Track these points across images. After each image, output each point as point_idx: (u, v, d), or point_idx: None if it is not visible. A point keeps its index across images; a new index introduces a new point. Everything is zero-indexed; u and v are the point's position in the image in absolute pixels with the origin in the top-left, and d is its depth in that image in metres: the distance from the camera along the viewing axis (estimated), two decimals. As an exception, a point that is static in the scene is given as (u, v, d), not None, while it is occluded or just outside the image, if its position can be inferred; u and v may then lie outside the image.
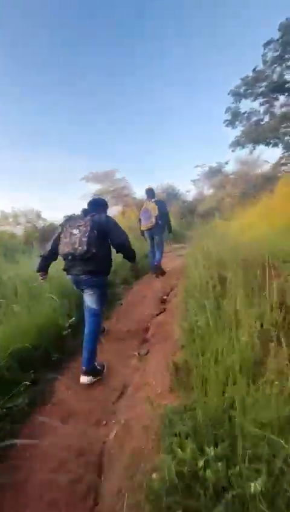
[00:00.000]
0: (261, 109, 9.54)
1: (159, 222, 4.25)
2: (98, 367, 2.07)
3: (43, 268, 2.19)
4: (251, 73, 8.99)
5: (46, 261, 2.17)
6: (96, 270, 1.97)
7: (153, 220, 4.19)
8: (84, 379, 1.95)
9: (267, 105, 9.33)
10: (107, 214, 2.26)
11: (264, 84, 8.98)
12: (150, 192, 4.45)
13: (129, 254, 2.15)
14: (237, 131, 10.34)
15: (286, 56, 8.25)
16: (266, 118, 9.46)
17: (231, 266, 3.07)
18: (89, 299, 2.04)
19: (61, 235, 1.99)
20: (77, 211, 2.18)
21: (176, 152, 41.46)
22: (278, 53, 8.31)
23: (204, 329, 2.01)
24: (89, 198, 2.36)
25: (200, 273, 3.05)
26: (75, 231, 1.90)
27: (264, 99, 9.33)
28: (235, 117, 10.12)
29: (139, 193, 14.32)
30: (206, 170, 18.28)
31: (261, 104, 9.48)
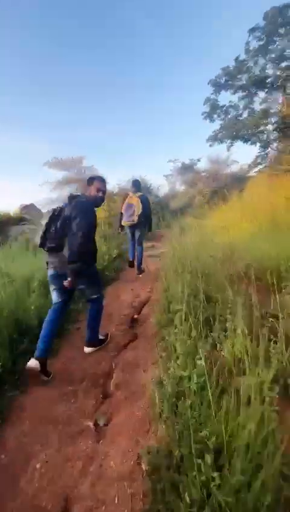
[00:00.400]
0: (241, 104, 9.11)
1: (142, 220, 4.07)
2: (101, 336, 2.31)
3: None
4: (233, 64, 8.45)
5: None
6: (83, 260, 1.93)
7: (136, 218, 3.98)
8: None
9: (246, 99, 8.89)
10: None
11: (245, 76, 8.50)
12: (137, 185, 4.23)
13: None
14: (215, 125, 9.86)
15: (270, 47, 7.84)
16: (245, 114, 9.04)
17: (218, 280, 2.36)
18: (87, 287, 2.15)
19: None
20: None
21: (150, 143, 40.48)
22: (262, 42, 7.86)
23: (195, 396, 1.25)
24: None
25: (181, 293, 2.26)
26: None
27: (244, 93, 8.87)
28: (213, 110, 9.51)
29: (110, 183, 13.24)
30: (179, 166, 17.64)
31: (241, 99, 9.03)
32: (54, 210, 1.99)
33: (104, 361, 2.15)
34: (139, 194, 4.10)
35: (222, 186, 13.49)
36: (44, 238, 1.97)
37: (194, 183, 16.12)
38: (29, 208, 10.49)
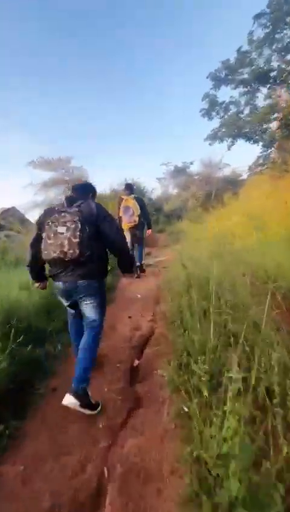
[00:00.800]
0: (242, 100, 8.48)
1: (142, 220, 4.16)
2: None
3: (37, 277, 1.82)
4: (234, 56, 7.79)
5: (33, 269, 1.77)
6: (94, 273, 1.63)
7: (136, 218, 4.05)
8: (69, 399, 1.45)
9: (248, 95, 8.27)
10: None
11: (247, 70, 7.89)
12: (130, 187, 4.28)
13: (126, 259, 1.79)
14: (213, 124, 9.23)
15: (276, 36, 7.24)
16: (247, 111, 8.42)
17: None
18: (90, 310, 1.67)
19: (43, 235, 1.52)
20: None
21: (143, 144, 39.83)
22: (268, 30, 7.25)
23: None
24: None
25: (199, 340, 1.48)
26: (62, 229, 1.47)
27: (245, 88, 8.25)
28: (212, 106, 8.86)
29: (100, 187, 12.47)
30: (172, 169, 17.83)
31: (242, 94, 8.39)
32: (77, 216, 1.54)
33: (90, 464, 1.30)
34: (134, 196, 4.14)
35: (215, 189, 13.95)
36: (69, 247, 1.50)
37: (187, 186, 16.18)
38: (9, 212, 9.52)
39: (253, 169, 8.96)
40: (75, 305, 1.71)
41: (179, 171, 18.06)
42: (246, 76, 8.08)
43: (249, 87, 8.12)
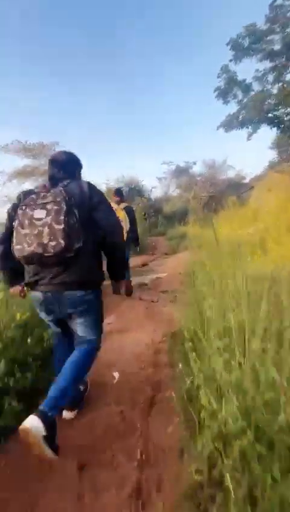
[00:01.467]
0: (270, 77, 6.69)
1: (130, 235, 3.52)
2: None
3: (13, 280, 1.33)
4: (265, 15, 6.08)
5: (6, 270, 1.33)
6: (87, 279, 1.21)
7: (125, 235, 3.30)
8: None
9: (278, 71, 6.48)
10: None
11: (278, 37, 6.24)
12: (120, 194, 3.72)
13: (120, 260, 1.37)
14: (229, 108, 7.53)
15: None
16: (275, 90, 6.63)
17: None
18: (82, 328, 1.26)
19: (16, 224, 1.13)
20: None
21: (144, 142, 38.10)
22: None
23: None
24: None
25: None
26: (40, 214, 1.08)
27: (273, 62, 6.55)
28: (230, 85, 7.15)
29: (97, 182, 10.82)
30: (173, 169, 17.26)
31: (270, 71, 6.62)
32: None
33: None
34: (124, 205, 3.60)
35: (221, 191, 13.65)
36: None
37: (189, 187, 15.84)
38: None
39: (274, 166, 7.21)
40: (62, 322, 1.28)
41: (181, 171, 17.46)
42: (275, 46, 6.39)
43: (282, 59, 6.37)
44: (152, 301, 3.16)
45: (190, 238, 8.40)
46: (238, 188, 14.27)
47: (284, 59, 6.28)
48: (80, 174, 1.41)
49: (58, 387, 1.08)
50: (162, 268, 4.85)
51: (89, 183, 1.24)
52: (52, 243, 1.05)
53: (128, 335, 2.27)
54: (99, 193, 1.25)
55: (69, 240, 1.06)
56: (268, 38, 6.44)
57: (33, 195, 1.14)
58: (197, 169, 19.88)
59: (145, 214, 13.05)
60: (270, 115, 6.52)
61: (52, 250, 1.05)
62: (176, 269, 4.76)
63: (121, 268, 1.41)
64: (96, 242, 1.23)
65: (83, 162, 1.42)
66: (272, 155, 14.23)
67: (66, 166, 1.30)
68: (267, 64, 6.73)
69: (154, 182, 19.27)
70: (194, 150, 38.61)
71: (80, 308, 1.21)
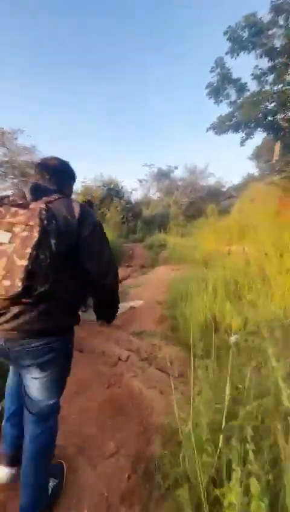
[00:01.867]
0: (270, 77, 5.94)
1: None
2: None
3: None
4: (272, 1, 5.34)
5: None
6: (53, 324, 0.90)
7: None
8: None
9: (280, 68, 5.73)
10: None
11: (280, 32, 5.56)
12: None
13: (113, 301, 1.13)
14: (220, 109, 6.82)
15: None
16: (275, 91, 5.90)
17: None
18: (37, 389, 0.93)
19: None
20: None
21: (125, 142, 37.02)
22: None
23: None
24: None
25: None
26: (2, 237, 0.82)
27: (274, 61, 5.84)
28: (224, 82, 6.38)
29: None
30: (155, 172, 16.96)
31: (270, 69, 5.92)
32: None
33: None
34: None
35: (201, 198, 13.59)
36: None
37: (170, 192, 15.71)
38: None
39: (267, 177, 6.55)
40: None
41: (163, 175, 17.22)
42: (278, 42, 5.69)
43: (282, 57, 5.68)
44: (119, 359, 2.12)
45: (171, 249, 7.54)
46: (217, 196, 14.23)
47: (286, 57, 5.59)
48: (71, 189, 1.15)
49: (24, 506, 0.88)
50: (137, 292, 3.85)
51: (82, 206, 0.93)
52: (6, 283, 0.76)
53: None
54: (93, 222, 0.93)
55: (31, 281, 0.77)
56: (270, 32, 5.74)
57: (0, 208, 0.83)
58: (178, 173, 20.10)
59: (123, 217, 12.10)
60: (269, 118, 5.79)
61: (2, 292, 0.77)
62: (155, 293, 3.79)
63: (112, 311, 1.17)
64: (77, 281, 0.94)
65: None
66: (251, 166, 14.22)
67: (56, 175, 1.01)
68: (267, 62, 6.03)
69: (135, 183, 18.49)
70: (178, 152, 38.36)
71: (37, 361, 0.88)
